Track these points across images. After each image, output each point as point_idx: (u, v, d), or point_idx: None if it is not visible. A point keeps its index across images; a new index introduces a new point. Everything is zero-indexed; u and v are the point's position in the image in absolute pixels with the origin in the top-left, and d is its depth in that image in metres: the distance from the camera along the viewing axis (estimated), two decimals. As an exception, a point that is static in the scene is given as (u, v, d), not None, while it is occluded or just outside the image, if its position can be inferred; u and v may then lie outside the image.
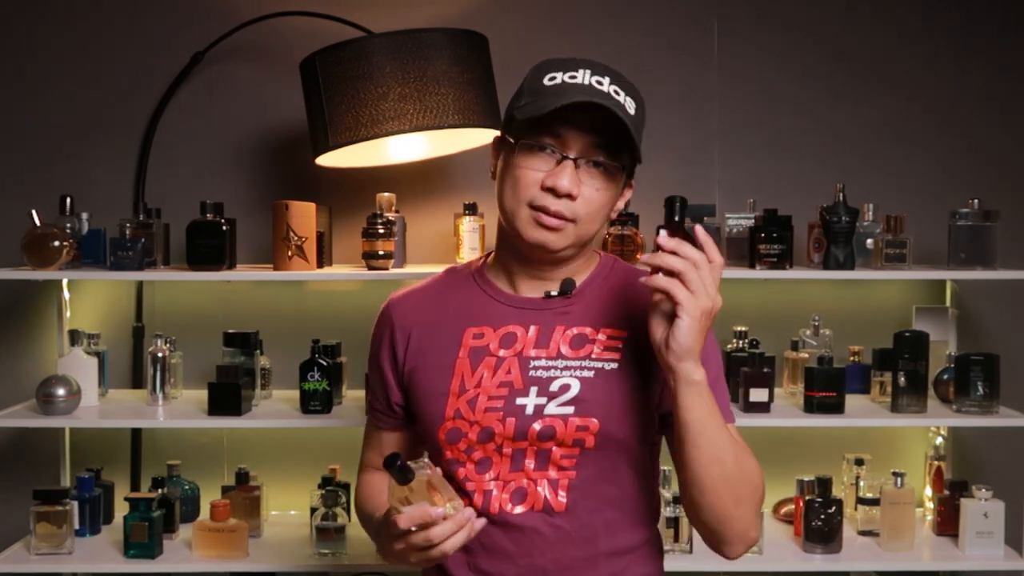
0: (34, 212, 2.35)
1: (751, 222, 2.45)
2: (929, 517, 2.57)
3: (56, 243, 2.32)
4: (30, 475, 2.61)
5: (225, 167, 2.70)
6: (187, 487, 2.57)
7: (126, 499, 2.37)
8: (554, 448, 1.37)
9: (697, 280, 1.22)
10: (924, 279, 2.64)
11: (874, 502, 2.44)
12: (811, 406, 2.35)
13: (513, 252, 1.44)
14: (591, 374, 1.38)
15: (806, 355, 2.50)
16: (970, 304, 2.70)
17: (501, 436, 1.38)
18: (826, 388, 2.34)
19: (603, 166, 1.37)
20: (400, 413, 1.51)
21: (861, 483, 2.49)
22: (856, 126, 2.72)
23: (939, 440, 2.62)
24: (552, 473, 1.38)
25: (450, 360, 1.42)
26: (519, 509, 1.38)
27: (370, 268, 2.37)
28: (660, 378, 1.36)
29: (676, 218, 1.28)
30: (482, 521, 1.32)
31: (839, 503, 2.36)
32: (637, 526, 1.43)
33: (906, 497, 2.38)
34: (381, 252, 2.35)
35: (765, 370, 2.37)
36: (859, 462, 2.54)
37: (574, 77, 1.35)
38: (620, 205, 1.45)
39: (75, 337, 2.48)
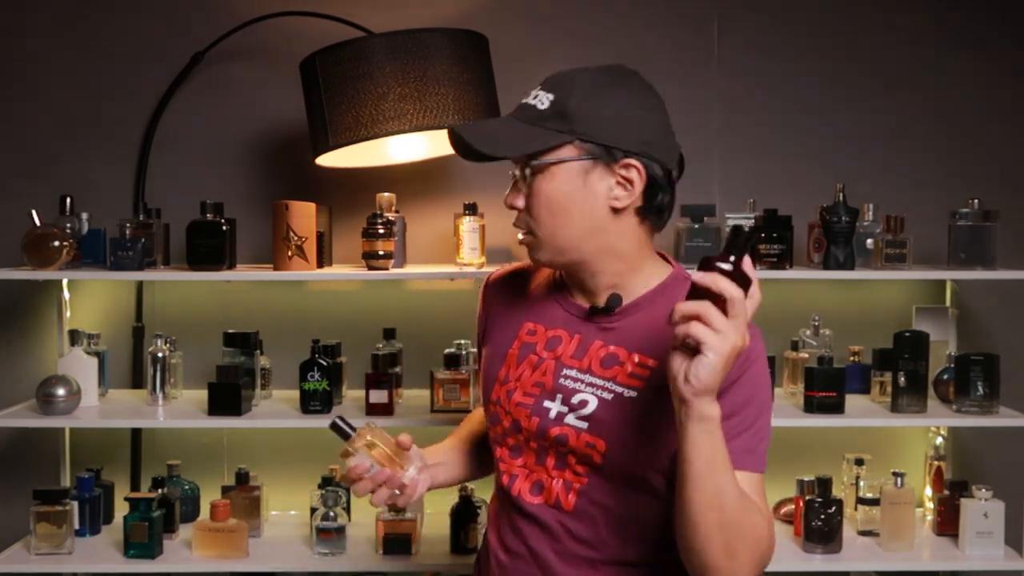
0: (34, 212, 2.35)
1: (751, 222, 2.45)
2: (929, 517, 2.57)
3: (56, 243, 2.32)
4: (30, 475, 2.61)
5: (225, 167, 2.70)
6: (187, 487, 2.57)
7: (126, 499, 2.37)
8: (569, 455, 1.41)
9: (720, 319, 1.14)
10: (924, 279, 2.64)
11: (874, 502, 2.44)
12: (811, 406, 2.35)
13: None
14: (610, 396, 1.38)
15: (806, 355, 2.50)
16: (970, 304, 2.70)
17: (527, 431, 1.43)
18: (826, 388, 2.34)
19: (528, 168, 1.37)
20: None
21: (861, 483, 2.49)
22: (856, 126, 2.72)
23: (939, 440, 2.62)
24: (568, 475, 1.41)
25: (505, 349, 1.48)
26: (534, 499, 1.44)
27: (370, 268, 2.37)
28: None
29: (735, 251, 1.16)
30: (414, 482, 1.43)
31: (839, 503, 2.35)
32: (646, 544, 1.41)
33: (906, 497, 2.38)
34: (381, 252, 2.35)
35: (765, 370, 2.37)
36: (859, 462, 2.54)
37: (525, 96, 1.41)
38: (616, 194, 1.36)
39: (75, 337, 2.48)
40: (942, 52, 2.72)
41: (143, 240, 2.36)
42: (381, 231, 2.35)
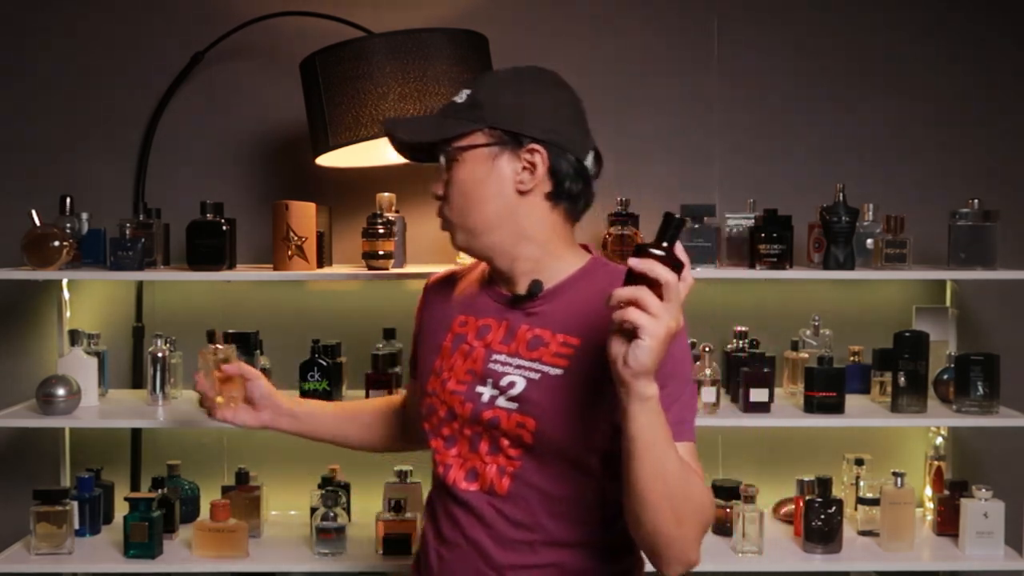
0: (34, 212, 2.35)
1: (751, 222, 2.45)
2: (929, 517, 2.57)
3: (56, 243, 2.32)
4: (30, 475, 2.61)
5: (225, 167, 2.70)
6: (187, 487, 2.57)
7: (126, 499, 2.37)
8: (501, 438, 1.45)
9: (656, 304, 1.19)
10: (924, 279, 2.64)
11: (874, 502, 2.44)
12: (811, 406, 2.36)
13: None
14: (537, 376, 1.43)
15: (806, 355, 2.50)
16: (970, 304, 2.70)
17: (461, 418, 1.48)
18: (826, 388, 2.34)
19: (443, 155, 1.48)
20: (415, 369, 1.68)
21: (861, 483, 2.49)
22: (856, 126, 2.72)
23: (939, 440, 2.62)
24: (501, 459, 1.45)
25: (439, 342, 1.55)
26: (470, 486, 1.47)
27: (370, 268, 2.37)
28: (610, 388, 1.33)
29: (667, 239, 1.22)
30: (223, 409, 1.68)
31: (839, 503, 2.36)
32: (582, 523, 1.45)
33: (906, 497, 2.38)
34: (381, 252, 2.35)
35: (765, 370, 2.38)
36: (859, 462, 2.54)
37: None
38: (522, 177, 1.45)
39: (75, 337, 2.48)
40: (942, 52, 2.72)
41: (143, 240, 2.36)
42: (381, 231, 2.35)
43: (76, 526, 2.39)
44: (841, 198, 2.36)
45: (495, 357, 1.47)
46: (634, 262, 1.21)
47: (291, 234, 2.33)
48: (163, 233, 2.52)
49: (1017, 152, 2.74)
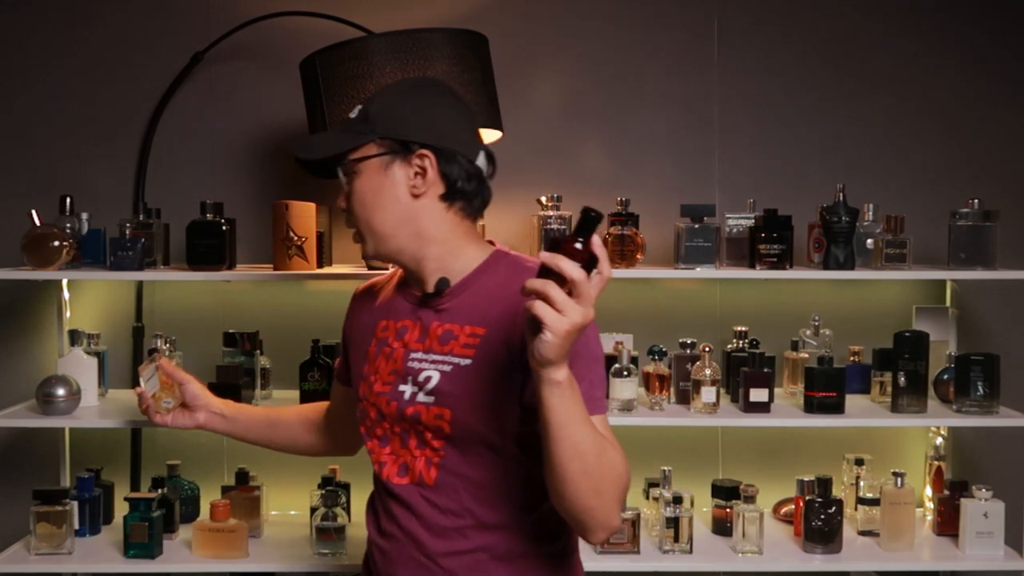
0: (34, 212, 2.35)
1: (751, 222, 2.45)
2: (929, 517, 2.57)
3: (56, 243, 2.32)
4: (30, 475, 2.61)
5: (225, 167, 2.70)
6: (187, 487, 2.57)
7: (126, 499, 2.37)
8: (425, 431, 1.53)
9: (563, 300, 1.22)
10: (924, 279, 2.64)
11: (874, 502, 2.44)
12: (811, 406, 2.36)
13: None
14: (449, 368, 1.52)
15: (806, 355, 2.50)
16: (970, 304, 2.70)
17: (390, 417, 1.57)
18: (826, 388, 2.34)
19: (341, 169, 1.56)
20: (345, 378, 1.78)
21: (861, 483, 2.49)
22: (856, 126, 2.73)
23: (939, 440, 2.62)
24: (428, 452, 1.54)
25: (366, 348, 1.64)
26: (402, 480, 1.56)
27: (370, 268, 2.37)
28: (519, 374, 1.45)
29: (582, 233, 1.25)
30: (165, 415, 1.94)
31: (839, 503, 2.35)
32: (506, 506, 1.52)
33: (906, 497, 2.38)
34: (381, 252, 2.35)
35: (765, 370, 2.38)
36: (859, 462, 2.54)
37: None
38: (415, 182, 1.52)
39: (75, 337, 2.48)
40: (942, 52, 2.72)
41: (143, 240, 2.36)
42: (381, 231, 2.34)
43: (76, 526, 2.39)
44: (841, 198, 2.36)
45: (412, 355, 1.55)
46: (545, 256, 1.24)
47: (291, 234, 2.33)
48: (163, 233, 2.52)
49: (1017, 152, 2.74)
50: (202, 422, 1.95)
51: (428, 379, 1.52)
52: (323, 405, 1.95)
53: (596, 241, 1.25)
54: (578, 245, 1.24)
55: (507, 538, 1.53)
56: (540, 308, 1.23)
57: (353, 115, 1.56)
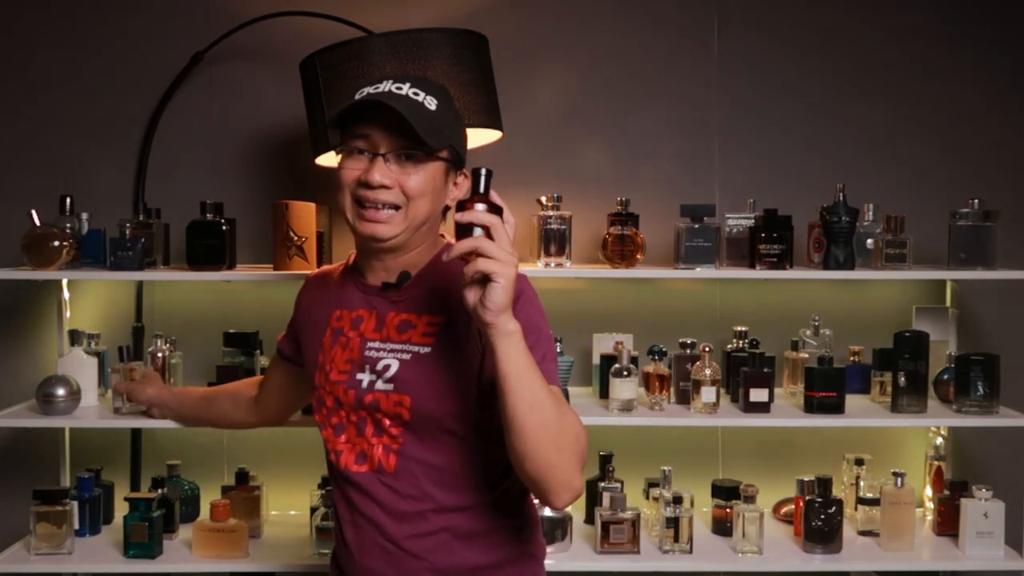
0: (34, 212, 2.35)
1: (751, 222, 2.45)
2: (929, 517, 2.57)
3: (56, 243, 2.32)
4: (30, 475, 2.61)
5: (225, 167, 2.70)
6: (187, 487, 2.57)
7: (126, 499, 2.37)
8: (383, 418, 1.57)
9: (495, 248, 1.32)
10: (924, 279, 2.64)
11: (874, 502, 2.44)
12: (811, 406, 2.36)
13: (359, 245, 1.63)
14: (408, 357, 1.56)
15: (806, 355, 2.50)
16: (970, 304, 2.70)
17: (346, 405, 1.60)
18: (826, 388, 2.34)
19: (412, 156, 1.53)
20: (288, 353, 1.86)
21: (861, 483, 2.49)
22: (856, 126, 2.72)
23: (939, 440, 2.62)
24: (386, 439, 1.57)
25: (320, 338, 1.67)
26: (360, 468, 1.59)
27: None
28: (477, 357, 1.51)
29: (481, 189, 1.37)
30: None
31: (839, 503, 2.36)
32: (465, 489, 1.57)
33: (906, 497, 2.38)
34: (381, 252, 2.35)
35: (765, 370, 2.38)
36: (859, 462, 2.54)
37: (377, 88, 1.56)
38: (457, 194, 1.60)
39: (75, 337, 2.48)
40: (942, 52, 2.72)
41: (143, 240, 2.36)
42: (381, 231, 2.34)
43: (76, 526, 2.39)
44: (841, 198, 2.36)
45: (369, 344, 1.59)
46: (459, 216, 1.34)
47: (291, 234, 2.33)
48: (163, 233, 2.52)
49: (1017, 152, 2.74)
50: (151, 394, 2.22)
51: (387, 367, 1.56)
52: (253, 379, 2.07)
53: (493, 194, 1.36)
54: (479, 202, 1.35)
55: (468, 518, 1.57)
56: (483, 262, 1.32)
57: (430, 106, 1.54)
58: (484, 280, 1.33)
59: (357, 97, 1.56)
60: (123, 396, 2.30)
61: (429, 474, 1.56)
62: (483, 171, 1.37)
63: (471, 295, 1.35)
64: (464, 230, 1.34)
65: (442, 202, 1.59)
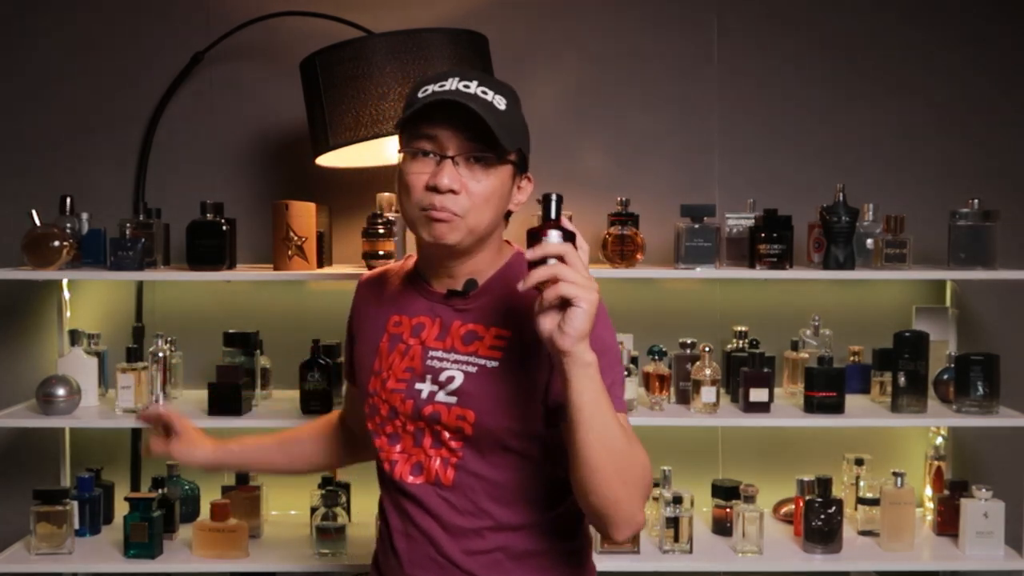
0: (34, 212, 2.35)
1: (751, 222, 2.45)
2: (929, 517, 2.57)
3: (56, 243, 2.32)
4: (30, 475, 2.61)
5: (225, 167, 2.70)
6: (187, 487, 2.57)
7: (126, 499, 2.37)
8: (443, 431, 1.50)
9: (575, 274, 1.27)
10: (924, 279, 2.64)
11: (874, 502, 2.44)
12: (811, 406, 2.36)
13: (423, 250, 1.56)
14: (474, 370, 1.49)
15: (806, 355, 2.50)
16: (970, 304, 2.70)
17: (403, 415, 1.53)
18: (826, 388, 2.34)
19: (481, 159, 1.45)
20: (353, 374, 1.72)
21: (861, 483, 2.49)
22: (856, 126, 2.72)
23: (939, 440, 2.62)
24: (444, 452, 1.51)
25: (376, 343, 1.59)
26: (416, 480, 1.53)
27: (370, 268, 2.37)
28: (544, 374, 1.45)
29: (553, 215, 1.32)
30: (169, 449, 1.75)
31: (839, 503, 2.36)
32: (523, 507, 1.51)
33: (906, 497, 2.38)
34: (381, 252, 2.35)
35: (765, 370, 2.38)
36: (859, 462, 2.54)
37: (443, 85, 1.46)
38: (521, 198, 1.54)
39: (75, 337, 2.48)
40: (942, 52, 2.72)
41: (143, 240, 2.36)
42: (381, 231, 2.35)
43: (76, 526, 2.39)
44: (841, 198, 2.36)
45: (432, 353, 1.52)
46: (531, 252, 1.29)
47: (291, 234, 2.34)
48: (163, 233, 2.52)
49: (1017, 152, 2.74)
50: (204, 457, 1.77)
51: (451, 379, 1.49)
52: (334, 415, 1.89)
53: (565, 220, 1.32)
54: (551, 228, 1.30)
55: (524, 538, 1.52)
56: (564, 286, 1.26)
57: (500, 106, 1.46)
58: (563, 306, 1.28)
59: (421, 95, 1.46)
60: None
61: (488, 490, 1.50)
62: (554, 196, 1.32)
63: (547, 321, 1.29)
64: (535, 263, 1.29)
65: (505, 207, 1.51)
